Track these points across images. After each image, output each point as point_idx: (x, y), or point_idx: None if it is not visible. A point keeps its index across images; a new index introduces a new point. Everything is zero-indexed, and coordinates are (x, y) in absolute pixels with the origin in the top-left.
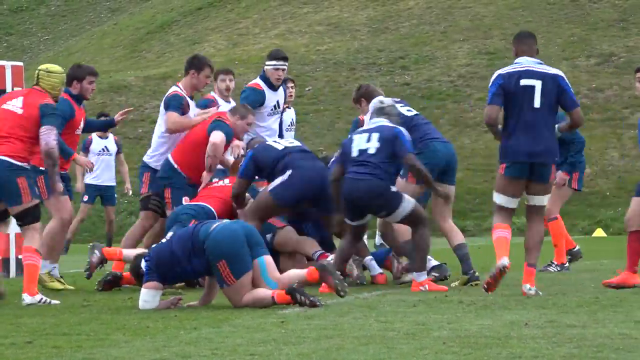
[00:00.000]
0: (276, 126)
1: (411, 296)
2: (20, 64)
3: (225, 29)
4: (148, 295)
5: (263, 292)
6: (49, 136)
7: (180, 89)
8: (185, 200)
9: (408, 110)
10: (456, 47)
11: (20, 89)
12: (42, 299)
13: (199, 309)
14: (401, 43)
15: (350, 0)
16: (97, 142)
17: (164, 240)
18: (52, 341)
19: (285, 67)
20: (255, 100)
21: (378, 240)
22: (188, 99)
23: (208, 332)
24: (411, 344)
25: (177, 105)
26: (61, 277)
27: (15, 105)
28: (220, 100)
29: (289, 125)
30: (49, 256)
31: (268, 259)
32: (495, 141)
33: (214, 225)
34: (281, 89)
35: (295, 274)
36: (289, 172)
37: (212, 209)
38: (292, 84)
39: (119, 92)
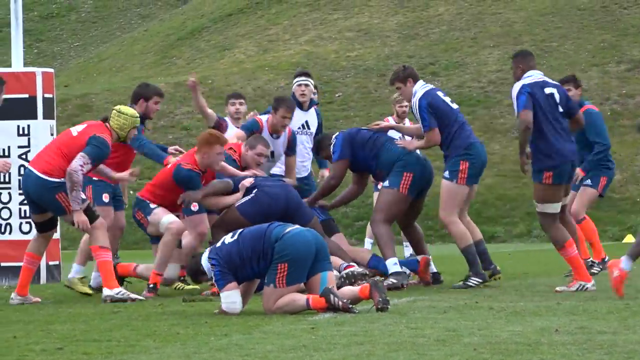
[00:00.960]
0: (305, 145)
1: (441, 302)
2: (51, 70)
3: (256, 35)
4: (234, 297)
5: (298, 296)
6: (77, 161)
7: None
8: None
9: (451, 102)
10: (486, 53)
11: (50, 95)
12: (120, 291)
13: (229, 315)
14: (431, 49)
15: (380, 7)
16: None
17: (228, 240)
18: (82, 347)
19: (307, 82)
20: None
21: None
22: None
23: (238, 338)
24: (442, 350)
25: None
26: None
27: (76, 129)
28: (230, 124)
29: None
30: (83, 261)
31: (330, 275)
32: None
33: (289, 229)
34: (313, 110)
35: (349, 290)
36: (255, 190)
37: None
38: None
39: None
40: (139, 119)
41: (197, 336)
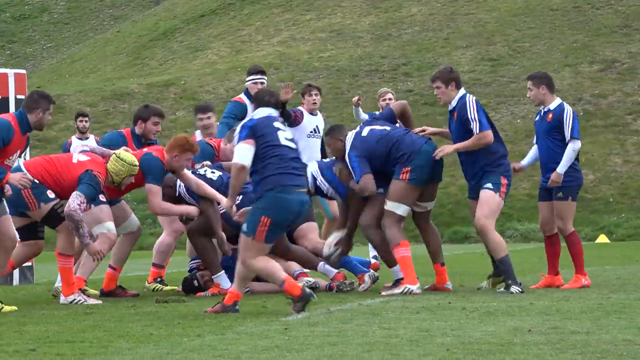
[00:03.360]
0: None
1: (414, 303)
2: (23, 71)
3: (228, 36)
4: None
5: (278, 271)
6: (74, 200)
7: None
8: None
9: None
10: (459, 54)
11: (23, 97)
12: (75, 299)
13: (202, 316)
14: (404, 50)
15: (353, 7)
16: (76, 143)
17: None
18: (55, 349)
19: (262, 80)
20: (234, 112)
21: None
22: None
23: (212, 339)
24: (415, 350)
25: None
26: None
27: (78, 157)
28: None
29: (310, 132)
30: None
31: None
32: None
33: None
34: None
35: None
36: (240, 197)
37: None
38: (317, 92)
39: (122, 100)
40: (136, 167)
41: (170, 337)
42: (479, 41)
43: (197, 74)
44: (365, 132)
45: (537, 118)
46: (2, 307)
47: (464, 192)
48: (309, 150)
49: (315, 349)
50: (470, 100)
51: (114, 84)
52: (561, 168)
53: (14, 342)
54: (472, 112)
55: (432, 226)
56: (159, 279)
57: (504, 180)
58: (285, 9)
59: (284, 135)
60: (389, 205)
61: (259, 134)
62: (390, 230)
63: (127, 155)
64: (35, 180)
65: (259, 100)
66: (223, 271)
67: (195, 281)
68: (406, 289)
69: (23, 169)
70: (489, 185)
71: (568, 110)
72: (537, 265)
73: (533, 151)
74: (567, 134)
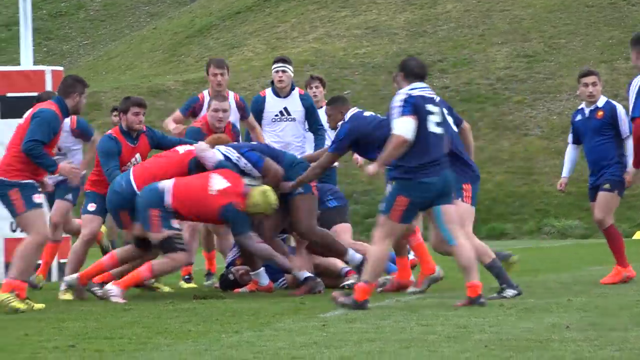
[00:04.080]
0: (286, 133)
1: (452, 299)
2: (60, 68)
3: (264, 33)
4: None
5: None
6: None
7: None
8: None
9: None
10: (495, 50)
11: None
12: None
13: (240, 313)
14: (439, 46)
15: (388, 4)
16: None
17: None
18: (94, 345)
19: (284, 68)
20: (252, 107)
21: None
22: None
23: (250, 335)
24: (452, 347)
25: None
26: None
27: (216, 183)
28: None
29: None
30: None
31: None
32: (534, 144)
33: None
34: (296, 95)
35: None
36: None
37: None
38: (318, 83)
39: (158, 96)
40: (271, 210)
41: (208, 333)
42: (515, 37)
43: (233, 70)
44: (367, 114)
45: (578, 117)
46: (32, 306)
47: (500, 188)
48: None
49: (353, 346)
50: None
51: (150, 81)
52: (633, 165)
53: (54, 338)
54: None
55: None
56: (187, 277)
57: (466, 186)
58: (320, 6)
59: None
60: None
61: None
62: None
63: (273, 196)
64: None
65: (412, 72)
66: (263, 268)
67: (231, 275)
68: (430, 281)
69: (134, 185)
70: None
71: (619, 106)
72: (574, 262)
73: (569, 156)
74: (624, 130)
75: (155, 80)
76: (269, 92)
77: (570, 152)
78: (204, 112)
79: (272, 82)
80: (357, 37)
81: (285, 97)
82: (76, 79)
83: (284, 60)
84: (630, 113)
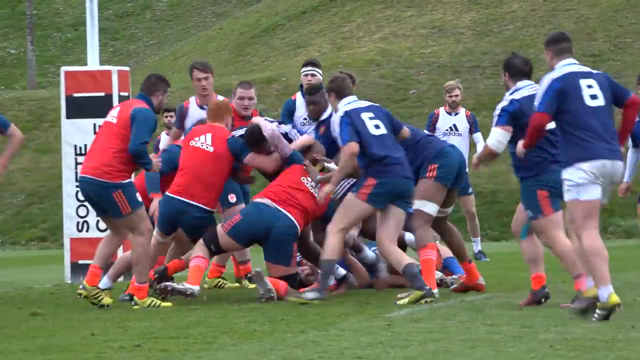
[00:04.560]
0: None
1: (517, 299)
2: (127, 68)
3: (330, 33)
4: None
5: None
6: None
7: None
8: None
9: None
10: None
11: (126, 94)
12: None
13: (305, 313)
14: (505, 46)
15: (454, 3)
16: (165, 139)
17: None
18: (160, 344)
19: (313, 72)
20: (284, 110)
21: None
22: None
23: (315, 335)
24: (518, 346)
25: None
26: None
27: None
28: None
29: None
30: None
31: None
32: None
33: None
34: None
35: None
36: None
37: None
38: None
39: (225, 96)
40: None
41: (273, 333)
42: (580, 37)
43: (299, 70)
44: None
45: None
46: (102, 299)
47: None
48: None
49: (418, 345)
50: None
51: (217, 81)
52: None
53: (119, 337)
54: None
55: (451, 226)
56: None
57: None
58: (386, 6)
59: None
60: (417, 204)
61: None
62: (419, 231)
63: None
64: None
65: (517, 70)
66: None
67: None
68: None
69: None
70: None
71: None
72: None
73: (629, 160)
74: None
75: (221, 80)
76: (299, 95)
77: (630, 156)
78: (190, 119)
79: (301, 86)
80: (423, 37)
81: None
82: (159, 78)
83: (313, 63)
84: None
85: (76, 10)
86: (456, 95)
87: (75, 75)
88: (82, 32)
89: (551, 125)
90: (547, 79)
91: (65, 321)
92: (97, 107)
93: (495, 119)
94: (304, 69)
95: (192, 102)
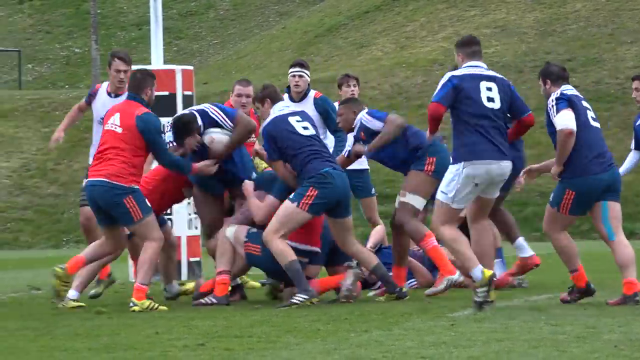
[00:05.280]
0: None
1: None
2: (191, 67)
3: (393, 32)
4: None
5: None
6: None
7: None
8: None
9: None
10: (624, 50)
11: (190, 93)
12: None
13: (369, 312)
14: (568, 45)
15: (517, 3)
16: None
17: None
18: (224, 343)
19: (301, 73)
20: None
21: None
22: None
23: (378, 334)
24: (582, 347)
25: (87, 94)
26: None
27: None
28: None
29: None
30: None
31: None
32: None
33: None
34: (310, 100)
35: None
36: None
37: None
38: (354, 82)
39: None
40: None
41: (337, 332)
42: None
43: (362, 70)
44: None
45: (638, 122)
46: (155, 306)
47: (630, 188)
48: None
49: (482, 345)
50: None
51: (280, 80)
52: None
53: (183, 336)
54: None
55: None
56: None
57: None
58: (449, 5)
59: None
60: (408, 197)
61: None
62: (411, 225)
63: None
64: None
65: (558, 76)
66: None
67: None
68: (449, 282)
69: None
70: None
71: None
72: None
73: (630, 159)
74: None
75: (284, 80)
76: (285, 96)
77: (632, 157)
78: (98, 104)
79: (288, 87)
80: (487, 37)
81: (299, 101)
82: (145, 73)
83: (301, 64)
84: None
85: (140, 10)
86: None
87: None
88: (146, 31)
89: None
90: (448, 75)
91: (130, 320)
92: (161, 106)
93: (554, 108)
94: (291, 70)
95: (104, 87)
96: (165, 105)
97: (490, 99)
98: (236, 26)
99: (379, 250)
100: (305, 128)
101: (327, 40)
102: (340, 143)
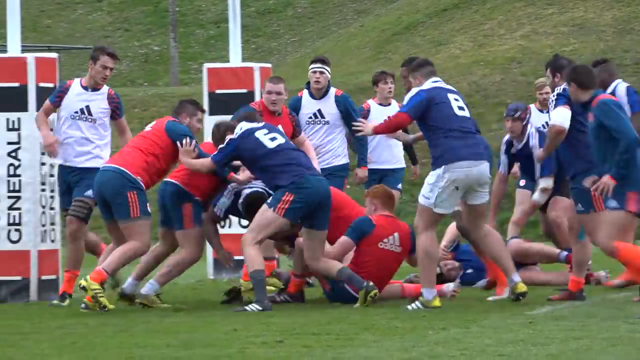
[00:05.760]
0: (316, 136)
1: None
2: (268, 65)
3: (470, 30)
4: None
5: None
6: None
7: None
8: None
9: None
10: None
11: None
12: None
13: (446, 309)
14: None
15: (595, 1)
16: None
17: None
18: (302, 340)
19: (322, 69)
20: (289, 106)
21: None
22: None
23: (456, 332)
24: None
25: (53, 94)
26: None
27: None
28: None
29: (310, 118)
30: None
31: None
32: None
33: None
34: (331, 97)
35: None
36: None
37: None
38: (391, 79)
39: (365, 93)
40: None
41: (415, 330)
42: None
43: (440, 67)
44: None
45: None
46: (99, 297)
47: None
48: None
49: (560, 343)
50: None
51: (357, 78)
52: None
53: (262, 333)
54: None
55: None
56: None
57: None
58: (527, 3)
59: None
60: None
61: None
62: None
63: None
64: None
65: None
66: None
67: (438, 268)
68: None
69: None
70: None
71: None
72: None
73: None
74: None
75: (362, 77)
76: (305, 92)
77: None
78: (71, 98)
79: (308, 83)
80: (564, 35)
81: (320, 98)
82: (188, 102)
83: (322, 60)
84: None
85: (218, 8)
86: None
87: (218, 72)
88: (225, 29)
89: None
90: (416, 89)
91: (208, 317)
92: (239, 104)
93: (552, 104)
94: (312, 66)
95: (77, 82)
96: (243, 102)
97: (460, 108)
98: (314, 24)
99: (456, 247)
100: (272, 139)
101: (405, 38)
102: (361, 145)
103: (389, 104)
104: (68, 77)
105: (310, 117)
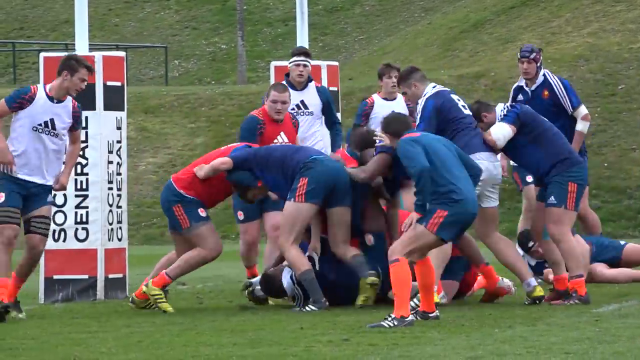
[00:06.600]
0: (302, 127)
1: None
2: (336, 63)
3: (538, 28)
4: None
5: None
6: None
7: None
8: (201, 212)
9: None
10: None
11: (335, 88)
12: None
13: (512, 308)
14: None
15: None
16: None
17: None
18: (367, 338)
19: (306, 62)
20: None
21: None
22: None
23: (522, 330)
24: None
25: (11, 97)
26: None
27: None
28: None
29: (293, 109)
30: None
31: None
32: None
33: None
34: (313, 89)
35: None
36: None
37: None
38: (397, 73)
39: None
40: None
41: (481, 328)
42: None
43: (507, 65)
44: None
45: None
46: (159, 301)
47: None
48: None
49: (626, 341)
50: None
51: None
52: None
53: (328, 331)
54: None
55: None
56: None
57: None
58: (595, 0)
59: None
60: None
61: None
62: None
63: None
64: None
65: None
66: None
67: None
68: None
69: None
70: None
71: None
72: None
73: None
74: None
75: (429, 75)
76: (284, 83)
77: None
78: (37, 109)
79: (287, 75)
80: (632, 32)
81: (301, 90)
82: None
83: (306, 53)
84: None
85: (286, 6)
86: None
87: (285, 70)
88: (292, 27)
89: None
90: (423, 100)
91: (274, 315)
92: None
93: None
94: (296, 59)
95: (42, 90)
96: None
97: (464, 107)
98: (382, 22)
99: None
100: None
101: (473, 35)
102: (337, 137)
103: (394, 98)
104: (135, 76)
105: (293, 109)
